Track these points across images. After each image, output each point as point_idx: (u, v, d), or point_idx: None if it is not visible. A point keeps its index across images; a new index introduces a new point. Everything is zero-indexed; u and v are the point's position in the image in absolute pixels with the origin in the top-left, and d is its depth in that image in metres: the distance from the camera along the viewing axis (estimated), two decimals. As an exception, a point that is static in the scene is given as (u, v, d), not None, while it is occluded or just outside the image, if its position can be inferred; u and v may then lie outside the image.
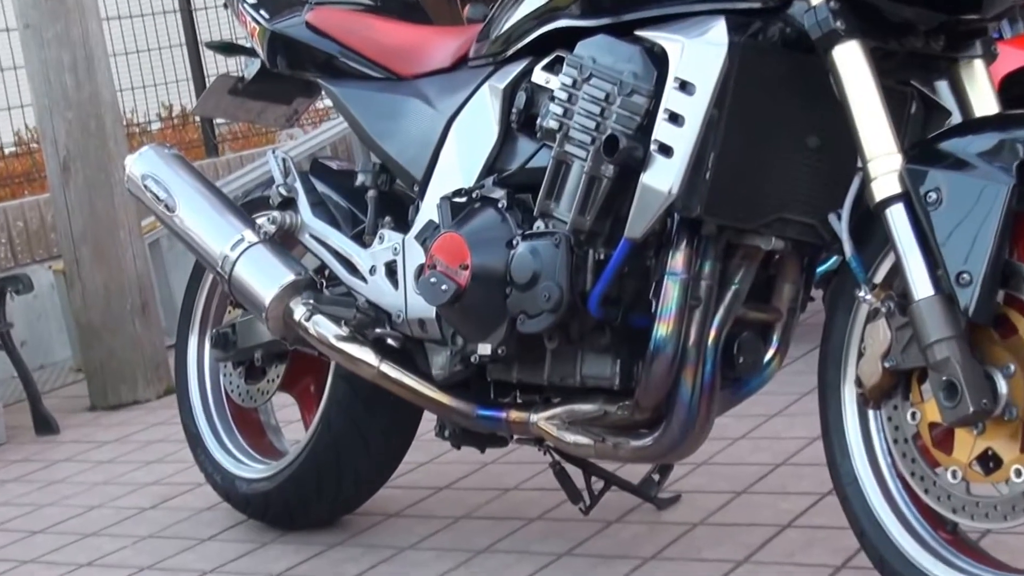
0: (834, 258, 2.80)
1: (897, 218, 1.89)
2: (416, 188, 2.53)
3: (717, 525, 2.60)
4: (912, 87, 2.13)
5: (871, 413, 2.03)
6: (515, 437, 2.49)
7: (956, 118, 2.10)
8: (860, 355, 2.00)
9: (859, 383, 1.98)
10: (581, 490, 2.55)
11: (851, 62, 1.94)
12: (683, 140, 2.03)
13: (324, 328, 2.59)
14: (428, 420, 2.69)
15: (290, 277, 2.66)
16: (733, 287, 2.15)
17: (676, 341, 2.11)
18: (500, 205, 2.31)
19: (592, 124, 2.15)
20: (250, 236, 2.74)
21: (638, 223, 2.09)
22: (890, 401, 1.98)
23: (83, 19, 4.21)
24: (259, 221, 2.76)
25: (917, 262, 1.87)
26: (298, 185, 2.75)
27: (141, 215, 4.35)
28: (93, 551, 2.97)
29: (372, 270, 2.56)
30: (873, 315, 1.96)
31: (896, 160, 1.91)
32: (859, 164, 1.95)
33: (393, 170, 2.61)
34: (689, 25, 2.06)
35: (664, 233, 2.13)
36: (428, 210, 2.45)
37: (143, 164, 2.92)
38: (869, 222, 1.95)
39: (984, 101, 2.06)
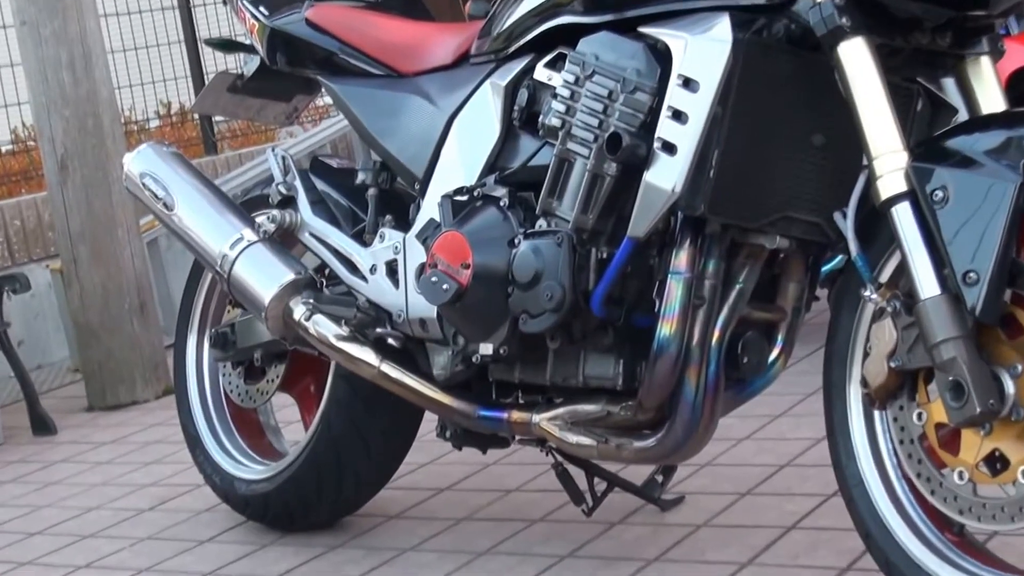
0: (839, 257, 2.81)
1: (903, 217, 1.89)
2: (417, 186, 2.53)
3: (721, 527, 2.60)
4: (918, 84, 2.13)
5: (877, 414, 2.03)
6: (517, 438, 2.49)
7: (963, 115, 2.09)
8: (866, 355, 2.00)
9: (865, 383, 1.98)
10: (584, 491, 2.55)
11: (857, 59, 1.94)
12: (687, 138, 2.03)
13: (324, 328, 2.59)
14: (429, 421, 2.69)
15: (290, 276, 2.66)
16: (737, 286, 2.15)
17: (680, 341, 2.11)
18: (502, 203, 2.31)
19: (595, 122, 2.15)
20: (249, 235, 2.74)
21: (641, 221, 2.09)
22: (896, 401, 1.97)
23: (81, 16, 4.21)
24: (258, 220, 2.76)
25: (923, 261, 1.87)
26: (298, 183, 2.75)
27: (139, 214, 4.35)
28: (91, 553, 2.97)
29: (373, 269, 2.56)
30: (879, 314, 1.96)
31: (902, 158, 1.91)
32: (864, 162, 1.95)
33: (394, 168, 2.61)
34: (693, 21, 2.06)
35: (667, 232, 2.13)
36: (429, 208, 2.45)
37: (141, 162, 2.92)
38: (875, 221, 1.95)
39: (991, 98, 2.06)
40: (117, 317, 4.26)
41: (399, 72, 2.61)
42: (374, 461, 2.79)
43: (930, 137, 2.03)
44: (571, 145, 2.19)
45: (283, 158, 2.79)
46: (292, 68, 2.79)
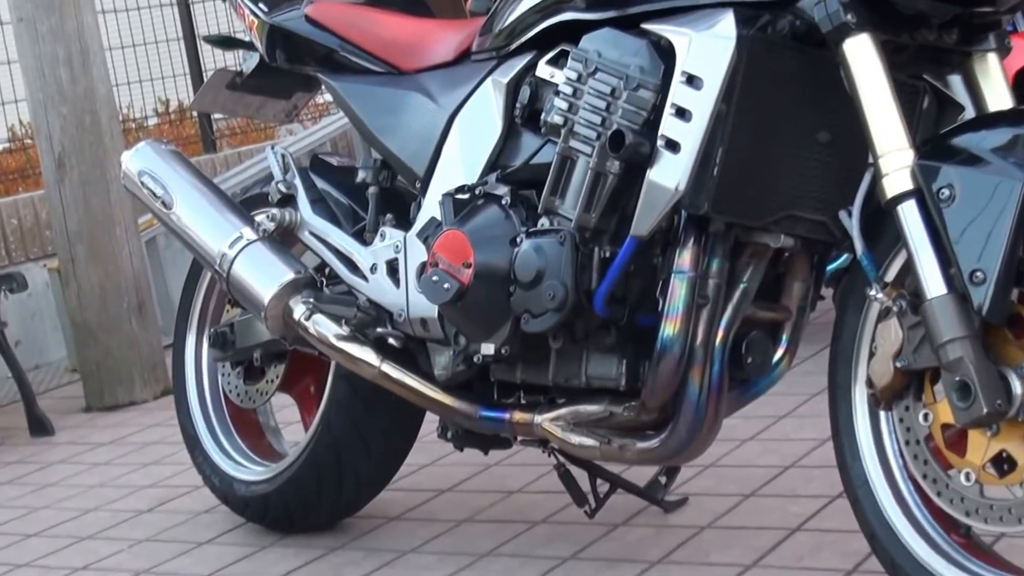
0: (845, 256, 2.81)
1: (909, 215, 1.89)
2: (418, 184, 2.53)
3: (725, 528, 2.60)
4: (924, 81, 2.13)
5: (882, 414, 2.03)
6: (519, 439, 2.49)
7: (969, 113, 2.09)
8: (871, 355, 2.00)
9: (870, 383, 1.98)
10: (586, 493, 2.55)
11: (862, 56, 1.94)
12: (690, 135, 2.03)
13: (324, 327, 2.59)
14: (430, 421, 2.69)
15: (289, 275, 2.66)
16: (741, 285, 2.15)
17: (683, 341, 2.11)
18: (504, 202, 2.31)
19: (597, 119, 2.15)
20: (249, 234, 2.74)
21: (644, 220, 2.09)
22: (902, 402, 1.97)
23: (78, 12, 4.21)
24: (258, 218, 2.76)
25: (929, 260, 1.87)
26: (298, 182, 2.75)
27: (137, 212, 4.35)
28: (89, 555, 2.97)
29: (373, 268, 2.56)
30: (885, 314, 1.96)
31: (908, 156, 1.91)
32: (870, 160, 1.95)
33: (394, 166, 2.61)
34: (696, 18, 2.06)
35: (671, 230, 2.13)
36: (430, 207, 2.45)
37: (139, 160, 2.92)
38: (880, 219, 1.95)
39: (998, 95, 2.06)
40: (115, 317, 4.26)
41: (400, 69, 2.61)
42: (374, 462, 2.79)
43: (936, 135, 2.03)
44: (574, 143, 2.19)
45: (283, 156, 2.79)
46: (292, 65, 2.79)
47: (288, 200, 2.75)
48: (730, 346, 2.15)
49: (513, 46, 2.39)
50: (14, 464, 3.79)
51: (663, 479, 2.62)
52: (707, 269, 2.11)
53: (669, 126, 2.05)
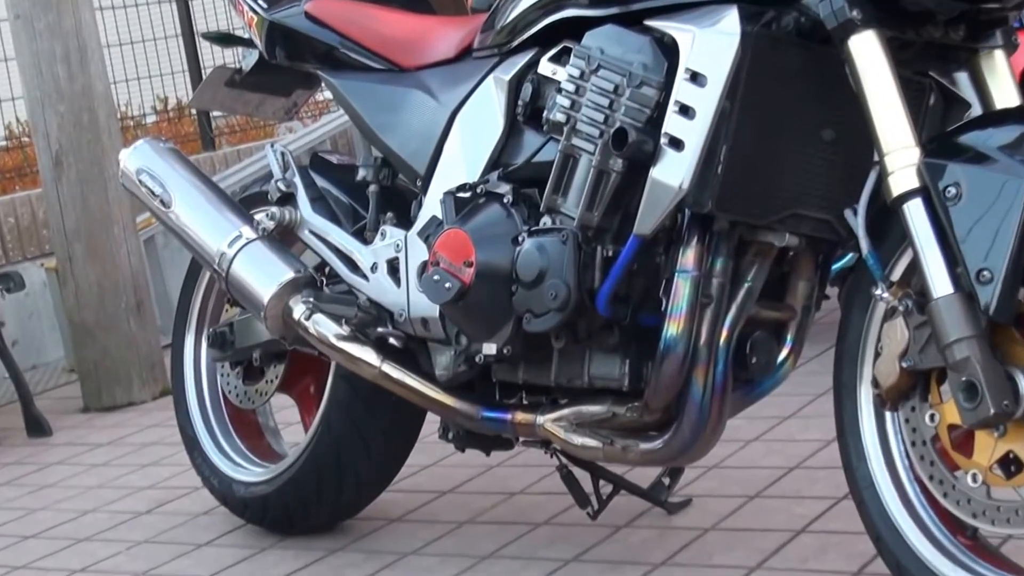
0: (850, 255, 2.80)
1: (915, 214, 1.89)
2: (419, 183, 2.52)
3: (729, 530, 2.60)
4: (931, 78, 2.12)
5: (888, 415, 2.03)
6: (521, 439, 2.49)
7: (976, 110, 2.09)
8: (877, 355, 2.00)
9: (876, 384, 1.98)
10: (589, 494, 2.55)
11: (867, 53, 1.94)
12: (694, 133, 2.03)
13: (324, 327, 2.59)
14: (431, 422, 2.69)
15: (289, 275, 2.66)
16: (746, 285, 2.15)
17: (687, 340, 2.11)
18: (505, 200, 2.31)
19: (600, 117, 2.15)
20: (248, 232, 2.74)
21: (648, 219, 2.09)
22: (908, 402, 1.97)
23: (76, 9, 4.21)
24: (257, 217, 2.76)
25: (936, 259, 1.87)
26: (297, 180, 2.75)
27: (136, 211, 4.35)
28: (87, 556, 2.97)
29: (374, 267, 2.56)
30: (890, 314, 1.96)
31: (914, 154, 1.91)
32: (876, 158, 1.95)
33: (395, 164, 2.61)
34: (700, 14, 2.06)
35: (674, 229, 2.13)
36: (431, 205, 2.45)
37: (138, 158, 2.92)
38: (886, 218, 1.95)
39: (1005, 93, 2.06)
40: (113, 316, 4.26)
41: (400, 66, 2.61)
42: (375, 463, 2.79)
43: (943, 132, 2.03)
44: (576, 141, 2.19)
45: (282, 154, 2.79)
46: (291, 62, 2.78)
47: (288, 199, 2.75)
48: (734, 346, 2.15)
49: (515, 43, 2.39)
50: (11, 465, 3.79)
51: (666, 480, 2.62)
52: (711, 268, 2.11)
53: (673, 124, 2.05)
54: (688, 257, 2.10)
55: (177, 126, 6.71)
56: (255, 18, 2.79)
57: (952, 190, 1.86)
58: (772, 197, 2.07)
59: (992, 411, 1.82)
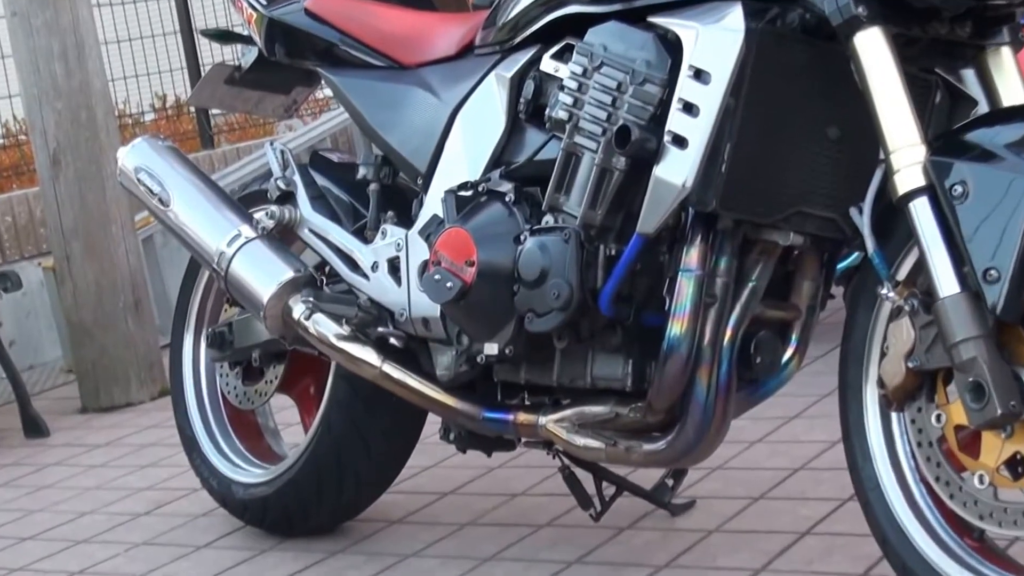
0: (855, 254, 2.80)
1: (921, 212, 1.89)
2: (420, 181, 2.52)
3: (733, 532, 2.60)
4: (937, 75, 2.12)
5: (894, 415, 2.03)
6: (523, 440, 2.49)
7: (983, 108, 2.09)
8: (883, 355, 2.00)
9: (881, 384, 1.98)
10: (592, 496, 2.55)
11: (873, 49, 1.93)
12: (698, 131, 2.03)
13: (324, 327, 2.59)
14: (432, 423, 2.69)
15: (289, 274, 2.66)
16: (750, 284, 2.15)
17: (690, 340, 2.11)
18: (507, 199, 2.31)
19: (603, 114, 2.15)
20: (247, 231, 2.74)
21: (651, 217, 2.09)
22: (914, 403, 1.97)
23: (73, 6, 4.21)
24: (257, 216, 2.76)
25: (942, 258, 1.87)
26: (297, 178, 2.75)
27: (134, 210, 4.35)
28: (85, 558, 2.98)
29: (374, 266, 2.56)
30: (896, 313, 1.96)
31: (920, 152, 1.90)
32: (881, 156, 1.95)
33: (396, 162, 2.61)
34: (704, 11, 2.06)
35: (678, 228, 2.13)
36: (432, 204, 2.45)
37: (136, 157, 2.92)
38: (892, 216, 1.95)
39: (1012, 90, 2.05)
40: (111, 316, 4.26)
41: (401, 64, 2.61)
42: (375, 464, 2.79)
43: (949, 130, 2.03)
44: (579, 139, 2.19)
45: (282, 152, 2.79)
46: (291, 59, 2.78)
47: (287, 197, 2.75)
48: (738, 346, 2.15)
49: (517, 40, 2.39)
50: (9, 466, 3.79)
51: (670, 482, 2.62)
52: (715, 267, 2.11)
53: (676, 121, 2.05)
54: (692, 256, 2.10)
55: (176, 124, 6.72)
56: (254, 15, 2.79)
57: (958, 188, 1.86)
58: (777, 195, 2.07)
59: (999, 412, 1.82)
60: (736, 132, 2.02)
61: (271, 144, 2.82)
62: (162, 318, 4.53)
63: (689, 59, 2.04)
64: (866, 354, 2.05)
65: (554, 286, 2.18)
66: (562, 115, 2.21)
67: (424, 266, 2.39)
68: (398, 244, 2.52)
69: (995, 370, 1.82)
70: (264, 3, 2.78)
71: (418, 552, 2.72)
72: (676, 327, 2.11)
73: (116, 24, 6.08)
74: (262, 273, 2.68)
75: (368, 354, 2.54)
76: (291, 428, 3.15)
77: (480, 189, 2.35)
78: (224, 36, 3.15)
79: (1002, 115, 1.99)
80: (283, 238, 2.75)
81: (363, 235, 2.62)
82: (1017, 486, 1.89)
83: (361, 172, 2.67)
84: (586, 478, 2.55)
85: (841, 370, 2.09)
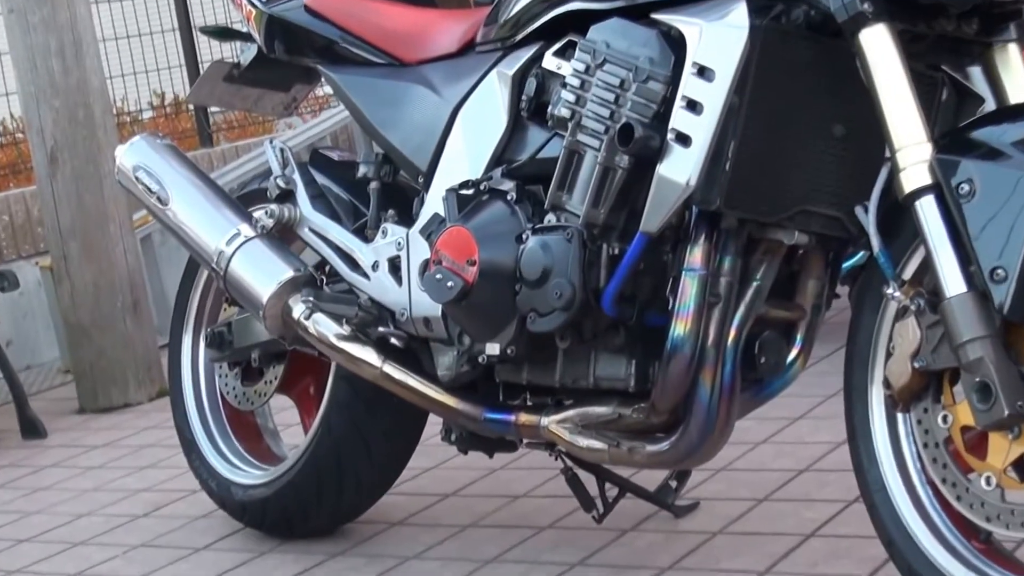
0: (861, 253, 2.81)
1: (927, 211, 1.89)
2: (421, 180, 2.53)
3: (737, 534, 2.60)
4: (943, 72, 2.12)
5: (900, 416, 2.03)
6: (525, 441, 2.49)
7: (990, 105, 2.09)
8: (888, 355, 2.00)
9: (887, 384, 1.98)
10: (594, 497, 2.55)
11: (879, 46, 1.93)
12: (702, 129, 2.03)
13: (324, 327, 2.59)
14: (433, 424, 2.69)
15: (289, 273, 2.66)
16: (754, 283, 2.15)
17: (694, 340, 2.11)
18: (509, 197, 2.31)
19: (606, 112, 2.15)
20: (246, 230, 2.74)
21: (654, 216, 2.09)
22: (920, 403, 1.97)
23: (70, 2, 4.21)
24: (256, 215, 2.77)
25: (948, 257, 1.87)
26: (297, 177, 2.75)
27: (132, 208, 4.36)
28: (82, 561, 2.98)
29: (375, 266, 2.56)
30: (902, 313, 1.96)
31: (926, 150, 1.90)
32: (887, 154, 1.95)
33: (397, 161, 2.61)
34: (708, 7, 2.06)
35: (682, 227, 2.13)
36: (433, 203, 2.45)
37: (134, 155, 2.92)
38: (898, 215, 1.94)
39: (1019, 87, 2.05)
40: (109, 316, 4.26)
41: (402, 61, 2.61)
42: (376, 465, 2.79)
43: (956, 128, 2.03)
44: (581, 137, 2.19)
45: (281, 150, 2.79)
46: (291, 57, 2.79)
47: (287, 196, 2.75)
48: (743, 346, 2.15)
49: (519, 37, 2.39)
50: (5, 467, 3.80)
51: (673, 483, 2.62)
52: (719, 267, 2.11)
53: (680, 119, 2.05)
54: (695, 255, 2.10)
55: (174, 122, 6.72)
56: (254, 12, 2.79)
57: (965, 187, 1.86)
58: (781, 194, 2.07)
59: (1006, 412, 1.82)
60: (740, 130, 2.02)
61: (270, 142, 2.82)
62: (160, 318, 4.53)
63: (693, 56, 2.04)
64: (872, 354, 2.05)
65: (556, 286, 2.18)
66: (564, 113, 2.21)
67: (425, 265, 2.39)
68: (399, 243, 2.52)
69: (1002, 370, 1.82)
70: (264, 0, 2.78)
71: (419, 554, 2.72)
72: (680, 327, 2.12)
73: (114, 21, 6.08)
74: (261, 272, 2.68)
75: (369, 354, 2.54)
76: (291, 429, 3.15)
77: (482, 187, 2.35)
78: (223, 33, 3.15)
79: (1009, 113, 1.99)
80: (283, 237, 2.75)
81: (363, 234, 2.62)
82: (1024, 487, 1.89)
83: (361, 170, 2.67)
84: (589, 479, 2.55)
85: (846, 370, 2.09)
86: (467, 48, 2.52)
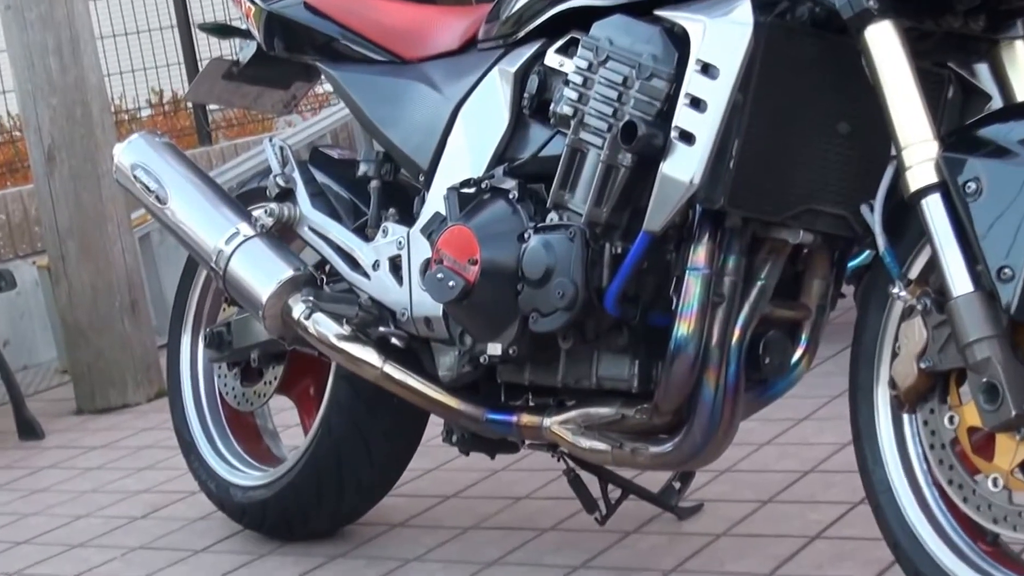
0: (866, 252, 2.81)
1: (934, 210, 1.89)
2: (422, 178, 2.53)
3: (741, 536, 2.60)
4: (949, 70, 2.12)
5: (906, 417, 2.03)
6: (527, 442, 2.49)
7: (997, 103, 2.09)
8: (894, 355, 1.99)
9: (893, 385, 1.97)
10: (597, 499, 2.55)
11: (884, 43, 1.93)
12: (705, 127, 2.02)
13: (324, 327, 2.59)
14: (435, 425, 2.69)
15: (288, 273, 2.66)
16: (759, 283, 2.15)
17: (698, 341, 2.11)
18: (511, 196, 2.31)
19: (609, 110, 2.15)
20: (246, 229, 2.74)
21: (658, 215, 2.09)
22: (926, 404, 1.97)
23: (68, -1, 4.22)
24: (255, 213, 2.77)
25: (955, 256, 1.86)
26: (297, 175, 2.75)
27: (130, 207, 4.36)
28: (80, 563, 2.98)
29: (375, 265, 2.56)
30: (908, 313, 1.96)
31: (932, 148, 1.90)
32: (893, 152, 1.95)
33: (397, 159, 2.61)
34: (712, 4, 2.05)
35: (685, 226, 2.13)
36: (434, 201, 2.45)
37: (132, 153, 2.92)
38: (904, 214, 1.94)
39: (1027, 85, 2.05)
40: (107, 316, 4.27)
41: (402, 58, 2.61)
42: (377, 467, 2.79)
43: (962, 126, 2.03)
44: (584, 135, 2.19)
45: (281, 149, 2.79)
46: (290, 54, 2.79)
47: (287, 194, 2.75)
48: (747, 346, 2.15)
49: (521, 34, 2.39)
50: (3, 469, 3.80)
51: (677, 484, 2.62)
52: (723, 266, 2.11)
53: (683, 117, 2.05)
54: (699, 254, 2.10)
55: (173, 120, 6.72)
56: (253, 9, 2.79)
57: (972, 185, 1.85)
58: (786, 192, 2.07)
59: (1014, 413, 1.82)
60: (744, 128, 2.02)
61: (270, 140, 2.82)
62: (159, 318, 4.53)
63: (696, 53, 2.04)
64: (877, 355, 2.05)
65: (559, 285, 2.18)
66: (567, 110, 2.21)
67: (426, 265, 2.39)
68: (399, 242, 2.52)
69: (1009, 371, 1.82)
70: (263, -3, 2.79)
71: (420, 556, 2.72)
72: (683, 327, 2.11)
73: (112, 18, 6.09)
74: (261, 272, 2.68)
75: (369, 354, 2.54)
76: (291, 430, 3.15)
77: (483, 186, 2.35)
78: (222, 30, 3.15)
79: (1016, 110, 1.99)
80: (282, 236, 2.75)
81: (364, 233, 2.62)
82: (1032, 489, 1.89)
83: (362, 169, 2.67)
84: (591, 481, 2.55)
85: (852, 371, 2.09)
86: (468, 45, 2.52)
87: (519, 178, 2.32)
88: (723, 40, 2.02)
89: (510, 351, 2.30)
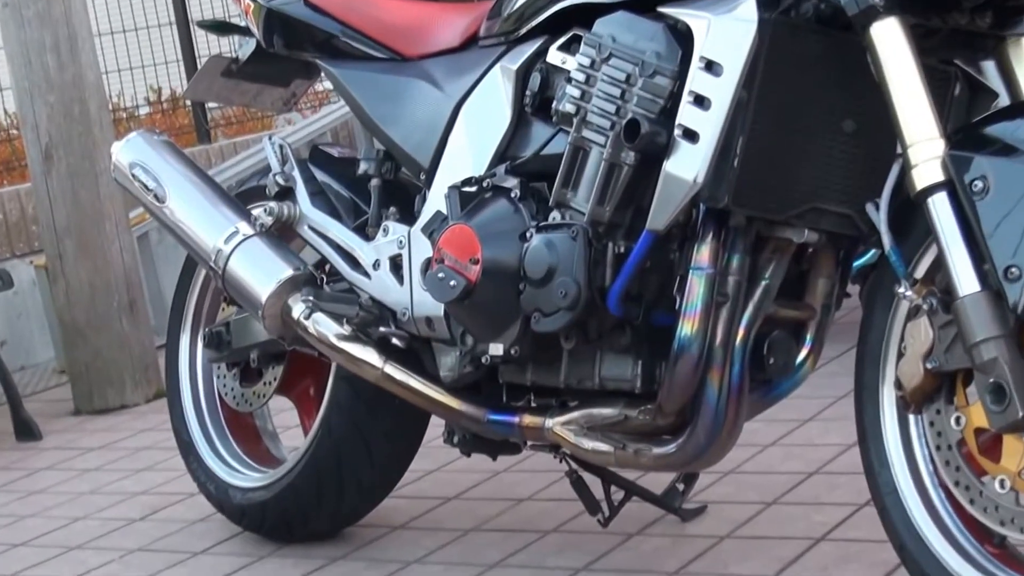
0: (872, 251, 2.79)
1: (940, 208, 1.88)
2: (423, 177, 2.52)
3: (746, 538, 2.60)
4: (956, 67, 2.12)
5: (912, 418, 2.03)
6: (529, 444, 2.49)
7: (1004, 100, 2.09)
8: (900, 355, 1.99)
9: (899, 385, 1.97)
10: (600, 501, 2.55)
11: (890, 40, 1.93)
12: (709, 124, 2.02)
13: (324, 327, 2.59)
14: (436, 425, 2.69)
15: (288, 272, 2.66)
16: (763, 283, 2.15)
17: (702, 341, 2.11)
18: (513, 195, 2.31)
19: (612, 107, 2.15)
20: (245, 228, 2.74)
21: (661, 214, 2.09)
22: (932, 405, 1.97)
23: (66, -4, 4.22)
24: (255, 212, 2.77)
25: (961, 256, 1.86)
26: (296, 174, 2.75)
27: (129, 206, 4.36)
28: (78, 565, 2.98)
29: (376, 264, 2.56)
30: (914, 312, 1.96)
31: (938, 146, 1.90)
32: (899, 150, 1.95)
33: (398, 157, 2.61)
34: (716, 0, 2.05)
35: (689, 225, 2.13)
36: (435, 200, 2.45)
37: (131, 151, 2.92)
38: (910, 213, 1.94)
39: (1034, 82, 2.05)
40: (105, 316, 4.27)
41: (403, 55, 2.61)
42: (377, 468, 2.79)
43: (969, 123, 2.03)
44: (586, 132, 2.18)
45: (281, 147, 2.79)
46: (290, 51, 2.79)
47: (286, 193, 2.75)
48: (751, 346, 2.15)
49: (523, 31, 2.39)
50: (0, 470, 3.80)
51: (680, 486, 2.62)
52: (727, 265, 2.11)
53: (687, 114, 2.05)
54: (703, 254, 2.10)
55: (171, 118, 6.72)
56: (252, 6, 2.79)
57: (979, 183, 1.85)
58: (791, 191, 2.07)
59: (1021, 414, 1.82)
60: (749, 126, 2.01)
61: (269, 139, 2.82)
62: (158, 318, 4.53)
63: (700, 50, 2.04)
64: (883, 355, 2.05)
65: (561, 285, 2.18)
66: (569, 108, 2.21)
67: (427, 264, 2.39)
68: (400, 241, 2.52)
69: (1017, 371, 1.82)
70: (262, -7, 2.79)
71: (421, 559, 2.72)
72: (687, 327, 2.11)
73: (110, 15, 6.09)
74: (260, 271, 2.68)
75: (370, 355, 2.54)
76: (290, 431, 3.15)
77: (485, 185, 2.35)
78: (221, 27, 3.16)
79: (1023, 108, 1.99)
80: (282, 235, 2.75)
81: (364, 232, 2.62)
82: (1039, 491, 1.89)
83: (362, 167, 2.67)
84: (594, 482, 2.55)
85: (857, 371, 2.09)
86: (470, 42, 2.52)
87: (521, 176, 2.32)
88: (727, 37, 2.02)
89: (512, 351, 2.29)
